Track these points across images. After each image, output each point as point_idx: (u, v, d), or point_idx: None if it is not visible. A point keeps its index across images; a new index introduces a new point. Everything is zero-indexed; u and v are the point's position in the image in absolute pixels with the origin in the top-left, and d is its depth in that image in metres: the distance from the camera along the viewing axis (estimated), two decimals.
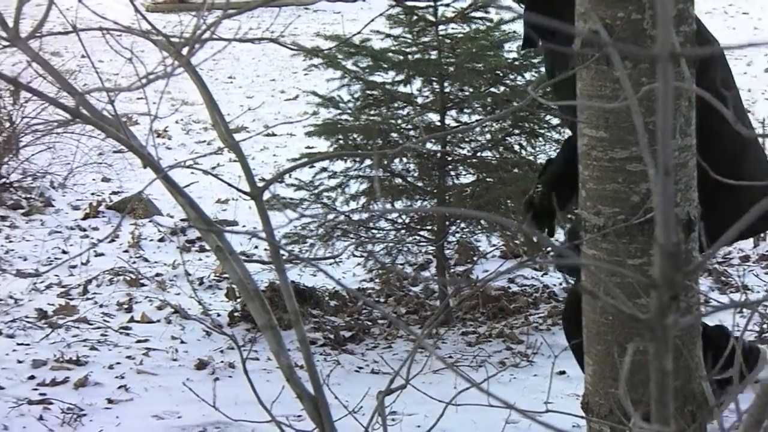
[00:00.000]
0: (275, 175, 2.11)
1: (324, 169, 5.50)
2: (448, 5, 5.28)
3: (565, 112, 3.11)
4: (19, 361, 4.66)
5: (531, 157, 5.29)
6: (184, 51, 1.63)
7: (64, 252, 6.62)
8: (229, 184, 2.13)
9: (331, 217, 5.36)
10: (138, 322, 5.31)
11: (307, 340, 1.52)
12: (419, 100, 5.40)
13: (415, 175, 5.43)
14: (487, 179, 5.25)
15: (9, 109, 7.99)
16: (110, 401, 4.28)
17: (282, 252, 1.79)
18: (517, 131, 5.32)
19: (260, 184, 1.99)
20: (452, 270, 5.96)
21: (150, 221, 7.10)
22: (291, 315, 1.64)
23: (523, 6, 3.24)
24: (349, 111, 5.43)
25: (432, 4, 5.24)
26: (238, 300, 5.39)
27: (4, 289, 5.71)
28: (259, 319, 1.75)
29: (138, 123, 9.22)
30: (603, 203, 2.58)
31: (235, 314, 5.28)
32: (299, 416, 3.53)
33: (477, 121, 5.26)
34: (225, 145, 1.77)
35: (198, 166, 3.17)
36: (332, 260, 5.65)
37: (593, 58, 2.37)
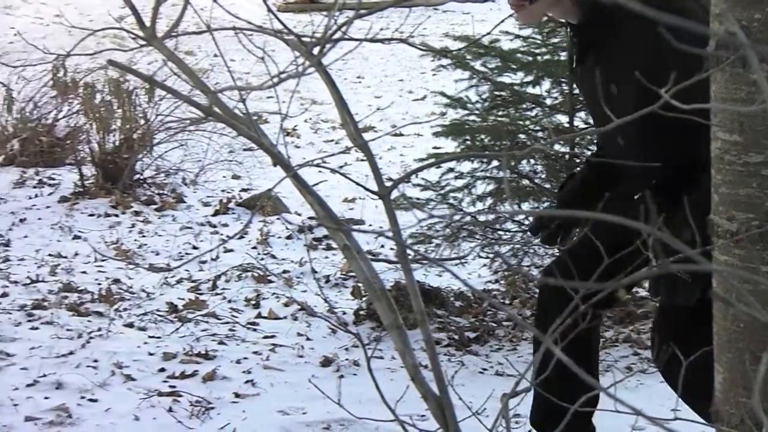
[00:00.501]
0: (403, 175, 2.11)
1: (451, 170, 5.50)
2: None
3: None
4: (150, 354, 4.77)
5: None
6: (315, 51, 1.64)
7: (194, 247, 6.76)
8: (358, 183, 2.14)
9: (457, 217, 5.35)
10: (265, 318, 5.39)
11: (433, 340, 1.52)
12: (548, 102, 5.36)
13: (543, 176, 5.39)
14: None
15: (144, 107, 8.19)
16: (237, 395, 4.35)
17: (408, 252, 1.80)
18: None
19: (388, 184, 2.00)
20: None
21: (278, 219, 7.20)
22: (417, 315, 1.64)
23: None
24: (477, 112, 5.42)
25: None
26: (364, 298, 5.42)
27: (137, 283, 5.86)
28: (385, 318, 1.76)
29: (268, 122, 9.36)
30: (736, 208, 2.51)
31: (361, 312, 5.32)
32: (423, 416, 3.54)
33: None
34: (354, 144, 1.78)
35: (326, 165, 3.19)
36: (458, 261, 5.64)
37: (728, 60, 2.31)
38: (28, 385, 4.41)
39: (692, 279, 2.85)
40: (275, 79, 1.20)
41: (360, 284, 5.58)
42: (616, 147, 2.99)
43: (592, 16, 2.79)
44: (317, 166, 2.32)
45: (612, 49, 2.76)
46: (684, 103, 1.42)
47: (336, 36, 1.60)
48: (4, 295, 5.72)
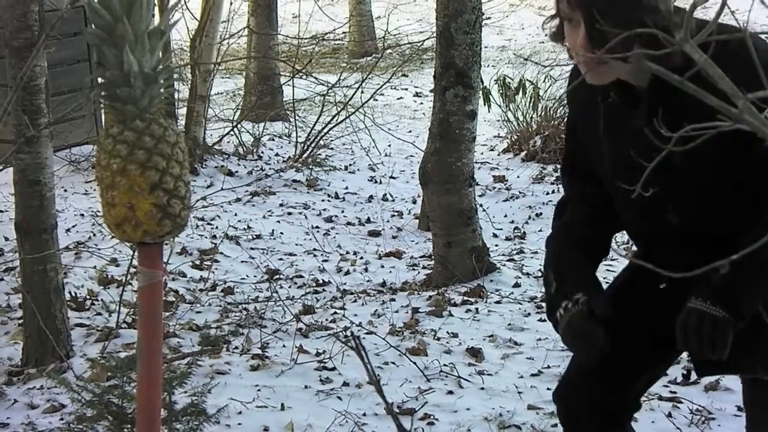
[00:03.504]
0: None
1: None
2: None
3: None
4: None
5: None
6: None
7: None
8: None
9: None
10: None
11: None
12: None
13: None
14: None
15: None
16: (739, 408, 4.20)
17: None
18: None
19: None
20: None
21: None
22: None
23: None
24: None
25: None
26: None
27: None
28: None
29: None
30: None
31: None
32: None
33: None
34: None
35: None
36: None
37: None
38: (533, 375, 4.56)
39: None
40: None
41: None
42: (657, 222, 2.37)
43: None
44: None
45: (688, 109, 2.13)
46: None
47: None
48: (516, 285, 5.96)
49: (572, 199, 2.58)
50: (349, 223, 7.73)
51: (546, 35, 2.29)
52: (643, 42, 1.98)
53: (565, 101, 9.37)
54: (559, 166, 8.96)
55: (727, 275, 2.09)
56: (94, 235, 6.71)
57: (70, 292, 5.38)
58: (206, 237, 6.91)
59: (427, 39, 10.88)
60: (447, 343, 4.96)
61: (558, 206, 2.65)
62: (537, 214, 7.89)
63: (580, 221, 2.54)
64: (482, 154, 9.68)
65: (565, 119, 2.43)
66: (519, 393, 4.36)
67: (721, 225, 2.27)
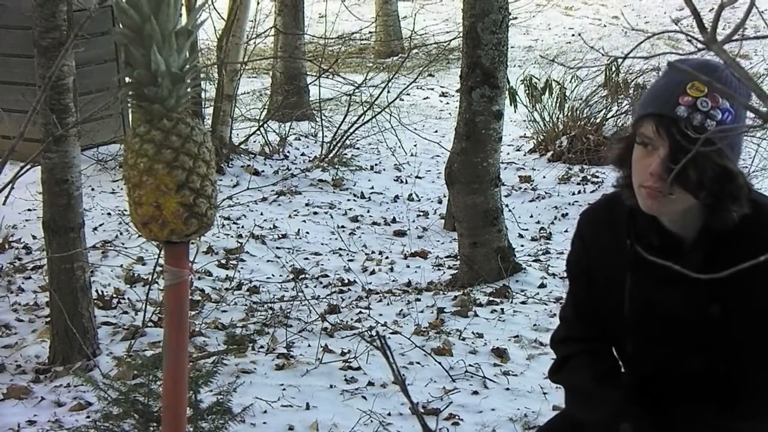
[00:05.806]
0: None
1: None
2: None
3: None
4: None
5: None
6: None
7: None
8: None
9: None
10: None
11: None
12: None
13: None
14: None
15: None
16: None
17: None
18: None
19: None
20: None
21: None
22: None
23: None
24: None
25: None
26: None
27: None
28: None
29: None
30: None
31: None
32: None
33: None
34: None
35: None
36: None
37: None
38: None
39: None
40: None
41: None
42: (677, 368, 2.27)
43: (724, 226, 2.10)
44: None
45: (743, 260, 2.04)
46: None
47: None
48: (542, 285, 5.94)
49: (581, 342, 2.46)
50: (374, 223, 7.73)
51: (608, 159, 2.23)
52: (707, 192, 2.02)
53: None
54: (585, 167, 8.97)
55: None
56: (121, 233, 6.74)
57: (96, 291, 5.41)
58: (232, 236, 6.92)
59: (453, 39, 10.85)
60: (472, 343, 4.95)
61: (561, 343, 2.54)
62: (563, 215, 7.87)
63: (608, 376, 2.39)
64: (508, 154, 9.66)
65: (571, 257, 2.22)
66: (544, 394, 4.35)
67: (747, 376, 2.21)
